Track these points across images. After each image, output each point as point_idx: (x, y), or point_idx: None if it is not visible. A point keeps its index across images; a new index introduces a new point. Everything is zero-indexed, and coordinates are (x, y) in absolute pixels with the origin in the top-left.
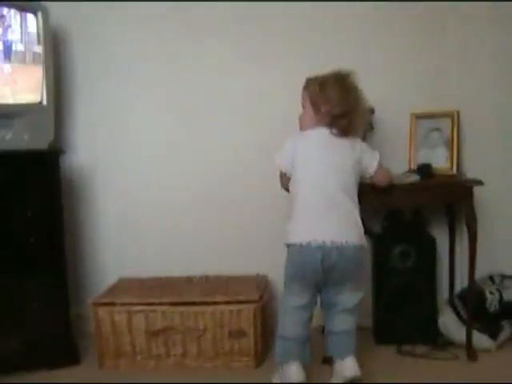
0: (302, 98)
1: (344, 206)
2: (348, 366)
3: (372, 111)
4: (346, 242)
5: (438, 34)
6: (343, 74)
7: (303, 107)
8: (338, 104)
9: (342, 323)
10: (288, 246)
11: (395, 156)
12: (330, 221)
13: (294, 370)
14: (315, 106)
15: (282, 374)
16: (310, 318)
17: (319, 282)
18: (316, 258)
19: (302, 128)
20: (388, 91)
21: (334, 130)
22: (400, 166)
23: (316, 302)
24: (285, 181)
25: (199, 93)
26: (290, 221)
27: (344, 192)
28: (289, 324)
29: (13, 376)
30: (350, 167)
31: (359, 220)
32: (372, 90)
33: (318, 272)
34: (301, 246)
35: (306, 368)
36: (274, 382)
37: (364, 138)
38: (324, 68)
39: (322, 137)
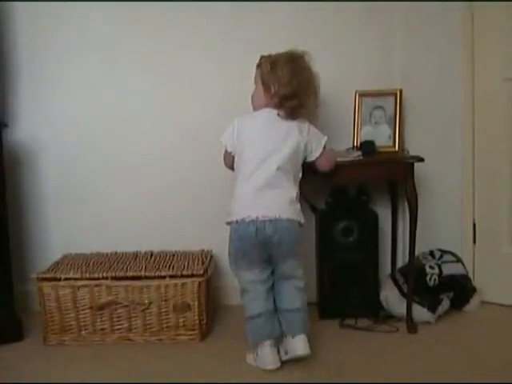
0: (255, 76)
1: (280, 184)
2: (299, 345)
3: None
4: (279, 216)
5: (384, 12)
6: (296, 54)
7: (255, 85)
8: (287, 84)
9: (294, 301)
10: (228, 223)
11: (340, 133)
12: (264, 198)
13: (269, 353)
14: (265, 85)
15: (256, 357)
16: (269, 292)
17: (263, 256)
18: (250, 232)
19: (254, 107)
20: (333, 69)
21: (281, 112)
22: (344, 143)
23: (270, 277)
24: (228, 160)
25: (137, 67)
26: (231, 200)
27: (282, 172)
28: (249, 301)
29: None
30: (293, 150)
31: (295, 199)
32: (318, 67)
33: (256, 245)
34: (237, 222)
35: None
36: (248, 362)
37: None
38: (271, 48)
39: (268, 118)
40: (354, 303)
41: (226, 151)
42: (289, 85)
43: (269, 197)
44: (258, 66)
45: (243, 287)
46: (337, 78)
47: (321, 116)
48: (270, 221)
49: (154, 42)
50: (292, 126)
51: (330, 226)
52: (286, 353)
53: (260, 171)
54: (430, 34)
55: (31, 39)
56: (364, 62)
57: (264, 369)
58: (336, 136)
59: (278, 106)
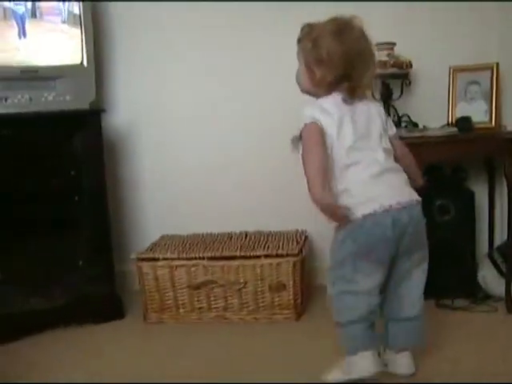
0: (297, 52)
1: (393, 166)
2: (405, 363)
3: (410, 65)
4: (410, 200)
5: None
6: (342, 23)
7: (299, 63)
8: (335, 67)
9: (415, 306)
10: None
11: (434, 110)
12: (387, 183)
13: (372, 361)
14: (308, 68)
15: (348, 367)
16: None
17: (392, 253)
18: (384, 225)
19: (302, 89)
20: (427, 45)
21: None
22: (439, 120)
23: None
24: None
25: (237, 55)
26: (337, 196)
27: (388, 153)
28: (354, 309)
29: (60, 331)
30: (382, 128)
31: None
32: (411, 43)
33: (388, 240)
34: (364, 217)
35: None
36: (332, 379)
37: (401, 93)
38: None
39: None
40: (450, 283)
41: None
42: (338, 67)
43: (391, 181)
44: (299, 40)
45: (349, 291)
46: (431, 53)
47: (415, 93)
48: (404, 208)
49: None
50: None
51: (426, 204)
52: (386, 365)
53: (366, 157)
54: None
55: (129, 24)
56: (459, 36)
57: (361, 377)
58: (431, 113)
59: (328, 90)
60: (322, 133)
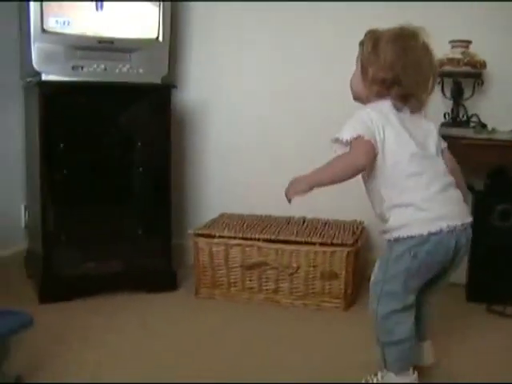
0: (357, 56)
1: (452, 182)
2: (429, 352)
3: (484, 65)
4: (469, 220)
5: None
6: (406, 30)
7: (356, 67)
8: (388, 67)
9: (429, 309)
10: (407, 238)
11: (505, 113)
12: (453, 199)
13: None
14: (363, 67)
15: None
16: None
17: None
18: (448, 246)
19: (354, 92)
20: (504, 46)
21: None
22: (509, 124)
23: None
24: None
25: (309, 42)
26: (395, 210)
27: (446, 167)
28: (399, 325)
29: (114, 296)
30: (437, 139)
31: None
32: (488, 43)
33: (445, 261)
34: (429, 235)
35: None
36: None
37: (472, 93)
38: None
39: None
40: (504, 289)
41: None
42: (390, 68)
43: (455, 198)
44: (361, 44)
45: (394, 311)
46: (507, 55)
47: (486, 94)
48: (465, 229)
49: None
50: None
51: (488, 208)
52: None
53: (429, 169)
54: None
55: (208, 4)
56: None
57: None
58: (501, 115)
59: (378, 94)
60: (373, 148)
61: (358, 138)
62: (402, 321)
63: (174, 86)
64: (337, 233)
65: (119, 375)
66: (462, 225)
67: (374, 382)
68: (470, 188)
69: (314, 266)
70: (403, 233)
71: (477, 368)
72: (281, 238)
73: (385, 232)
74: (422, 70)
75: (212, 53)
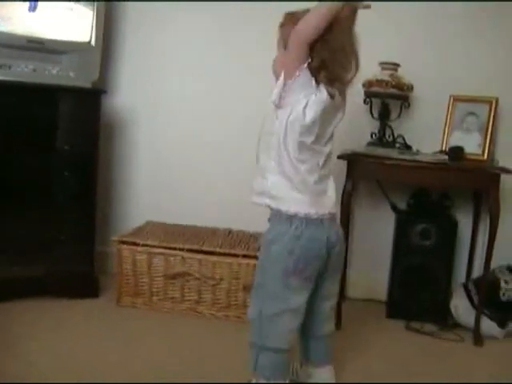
0: (277, 38)
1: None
2: (328, 376)
3: (411, 88)
4: (333, 211)
5: (488, 19)
6: None
7: (277, 49)
8: (315, 52)
9: (328, 325)
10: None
11: (429, 135)
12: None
13: None
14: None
15: None
16: None
17: (320, 271)
18: (323, 241)
19: (278, 76)
20: (430, 70)
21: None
22: (433, 146)
23: None
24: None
25: (236, 44)
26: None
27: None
28: (281, 332)
29: (36, 301)
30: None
31: None
32: (413, 67)
33: (323, 258)
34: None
35: None
36: None
37: (399, 114)
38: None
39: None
40: (422, 307)
41: None
42: (317, 53)
43: (325, 192)
44: (281, 26)
45: (278, 314)
46: (433, 79)
47: (412, 116)
48: (332, 221)
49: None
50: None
51: (409, 227)
52: (309, 376)
53: (314, 157)
54: None
55: (139, 10)
56: (464, 66)
57: None
58: (426, 138)
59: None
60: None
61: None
62: (286, 327)
63: (104, 92)
64: None
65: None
66: (330, 213)
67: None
68: (394, 207)
69: (236, 278)
70: (281, 207)
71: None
72: (205, 248)
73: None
74: (347, 52)
75: (143, 58)
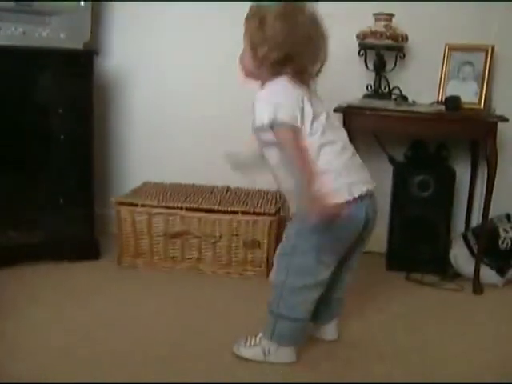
0: (244, 32)
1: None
2: (333, 330)
3: (406, 38)
4: (374, 187)
5: None
6: (292, 5)
7: (243, 43)
8: (279, 47)
9: (343, 290)
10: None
11: (425, 86)
12: (360, 166)
13: (292, 351)
14: (252, 47)
15: (270, 350)
16: None
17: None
18: (360, 215)
19: (245, 72)
20: (425, 20)
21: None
22: (429, 97)
23: None
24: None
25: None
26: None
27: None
28: (302, 303)
29: (36, 265)
30: None
31: None
32: (407, 17)
33: (358, 234)
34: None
35: None
36: (251, 357)
37: (394, 65)
38: None
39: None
40: (422, 258)
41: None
42: (281, 46)
43: (361, 166)
44: (247, 19)
45: (304, 286)
46: (428, 28)
47: (408, 66)
48: (371, 196)
49: None
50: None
51: (407, 178)
52: (311, 330)
53: (339, 137)
54: None
55: None
56: (459, 14)
57: (282, 362)
58: (422, 88)
59: (272, 72)
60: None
61: (283, 124)
62: (308, 299)
63: (96, 53)
64: (260, 202)
65: (39, 347)
66: (370, 191)
67: (252, 343)
68: (391, 159)
69: (236, 235)
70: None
71: (393, 334)
72: (204, 206)
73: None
74: (313, 43)
75: (135, 19)
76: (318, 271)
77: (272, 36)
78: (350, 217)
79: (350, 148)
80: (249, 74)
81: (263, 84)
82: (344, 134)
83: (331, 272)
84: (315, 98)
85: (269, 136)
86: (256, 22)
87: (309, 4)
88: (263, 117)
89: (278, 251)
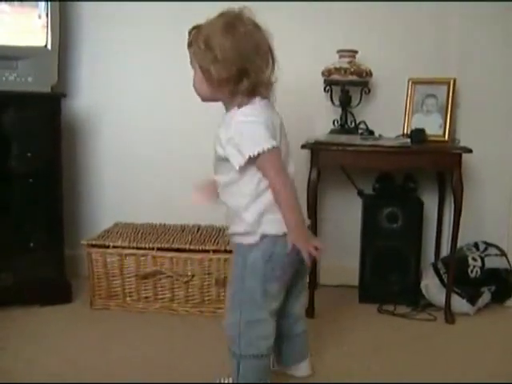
0: (190, 58)
1: None
2: (304, 368)
3: (370, 73)
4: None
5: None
6: (232, 17)
7: (193, 69)
8: (230, 63)
9: (303, 323)
10: (273, 236)
11: (391, 120)
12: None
13: None
14: (204, 70)
15: None
16: None
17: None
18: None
19: (202, 97)
20: (387, 55)
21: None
22: (395, 130)
23: None
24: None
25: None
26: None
27: None
28: (260, 338)
29: (6, 310)
30: None
31: None
32: (371, 52)
33: (298, 261)
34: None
35: None
36: None
37: (360, 101)
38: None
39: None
40: (394, 289)
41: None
42: (233, 63)
43: None
44: (189, 45)
45: (258, 320)
46: (390, 64)
47: (373, 101)
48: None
49: None
50: None
51: (376, 211)
52: (284, 367)
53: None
54: (490, 23)
55: (95, 10)
56: (420, 49)
57: None
58: (387, 122)
59: (230, 94)
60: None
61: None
62: (265, 333)
63: (64, 95)
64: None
65: None
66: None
67: (226, 382)
68: (360, 192)
69: (208, 274)
70: (271, 230)
71: (367, 366)
72: (175, 246)
73: (240, 234)
74: (262, 51)
75: (102, 59)
76: (267, 303)
77: (221, 54)
78: (285, 244)
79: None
80: (207, 98)
81: (226, 105)
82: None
83: (280, 303)
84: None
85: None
86: (201, 45)
87: (245, 9)
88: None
89: (228, 293)
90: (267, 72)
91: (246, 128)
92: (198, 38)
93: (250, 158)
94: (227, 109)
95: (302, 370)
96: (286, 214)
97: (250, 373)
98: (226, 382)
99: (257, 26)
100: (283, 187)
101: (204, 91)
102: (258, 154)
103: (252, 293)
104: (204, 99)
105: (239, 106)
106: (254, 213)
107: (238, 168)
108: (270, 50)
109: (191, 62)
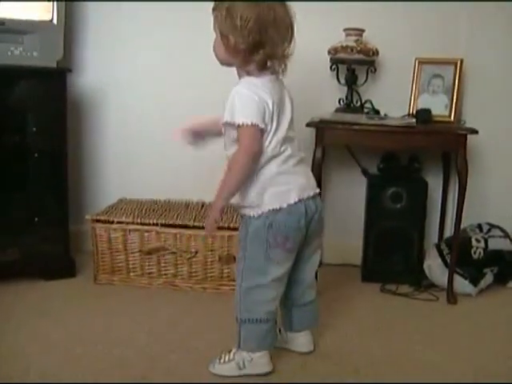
0: (213, 23)
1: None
2: (305, 341)
3: (376, 52)
4: (316, 191)
5: None
6: None
7: (215, 34)
8: (248, 34)
9: (312, 292)
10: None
11: (397, 99)
12: (304, 172)
13: (268, 362)
14: (224, 36)
15: (245, 364)
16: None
17: (302, 240)
18: (301, 214)
19: (220, 60)
20: (395, 34)
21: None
22: (401, 110)
23: None
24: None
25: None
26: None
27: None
28: (262, 302)
29: (11, 284)
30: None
31: None
32: (380, 31)
33: (303, 228)
34: (290, 205)
35: None
36: (222, 372)
37: (366, 79)
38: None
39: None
40: (397, 269)
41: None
42: (250, 33)
43: (306, 171)
44: (214, 10)
45: (260, 285)
46: (399, 43)
47: (379, 80)
48: (313, 197)
49: None
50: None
51: (380, 191)
52: (286, 342)
53: (292, 146)
54: (498, 4)
55: None
56: (428, 28)
57: (258, 373)
58: (393, 101)
59: (244, 62)
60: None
61: (250, 126)
62: (265, 299)
63: (69, 70)
64: (234, 217)
65: (17, 366)
66: (309, 194)
67: (226, 359)
68: (364, 172)
69: (211, 250)
70: (274, 204)
71: (368, 345)
72: (179, 222)
73: (243, 207)
74: (281, 25)
75: (109, 35)
76: (269, 269)
77: (241, 23)
78: (288, 210)
79: (298, 155)
80: (223, 62)
81: (238, 72)
82: (295, 142)
83: (286, 270)
84: (282, 103)
85: (235, 134)
86: (223, 12)
87: None
88: (236, 114)
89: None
90: (283, 47)
91: (238, 98)
92: (223, 4)
93: (229, 123)
94: (239, 76)
95: (304, 344)
96: (223, 185)
97: (249, 338)
98: (226, 358)
99: (281, 4)
100: (238, 166)
101: (221, 55)
102: (238, 125)
103: (254, 259)
104: (221, 63)
105: (248, 75)
106: (256, 187)
107: (224, 121)
108: (291, 27)
109: (213, 26)
